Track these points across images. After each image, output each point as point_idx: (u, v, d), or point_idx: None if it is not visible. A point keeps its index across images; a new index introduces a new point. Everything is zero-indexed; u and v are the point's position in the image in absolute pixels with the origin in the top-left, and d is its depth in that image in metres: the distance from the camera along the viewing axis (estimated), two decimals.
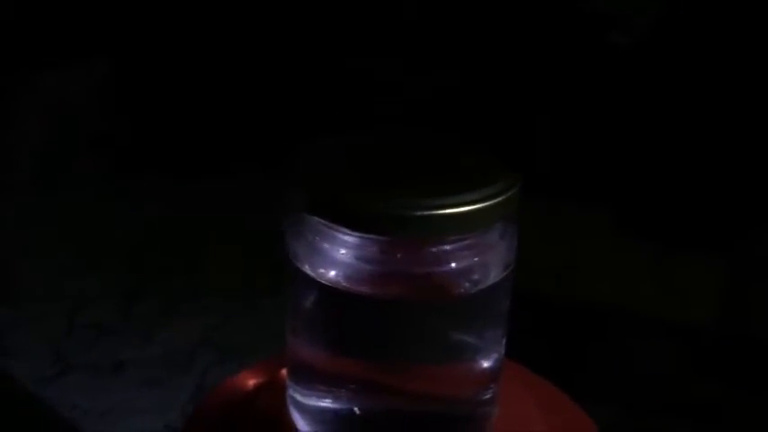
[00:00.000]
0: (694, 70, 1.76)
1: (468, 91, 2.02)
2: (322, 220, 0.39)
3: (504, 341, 0.43)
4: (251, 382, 0.50)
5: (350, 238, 0.39)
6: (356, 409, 0.42)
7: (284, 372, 0.46)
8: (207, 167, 2.05)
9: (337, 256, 0.40)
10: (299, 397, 0.44)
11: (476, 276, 0.40)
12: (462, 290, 0.40)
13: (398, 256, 0.39)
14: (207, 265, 1.66)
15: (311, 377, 0.43)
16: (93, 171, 2.02)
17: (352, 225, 0.38)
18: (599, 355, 1.40)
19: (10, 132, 1.96)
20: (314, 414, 0.43)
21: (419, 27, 2.06)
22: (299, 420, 0.44)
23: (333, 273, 0.40)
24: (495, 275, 0.40)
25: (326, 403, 0.43)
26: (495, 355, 0.43)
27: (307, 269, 0.40)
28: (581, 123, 1.94)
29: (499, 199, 0.38)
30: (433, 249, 0.39)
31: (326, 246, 0.40)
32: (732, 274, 1.58)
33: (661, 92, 1.81)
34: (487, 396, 0.43)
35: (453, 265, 0.39)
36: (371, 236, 0.38)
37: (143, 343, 1.41)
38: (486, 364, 0.42)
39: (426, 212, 0.37)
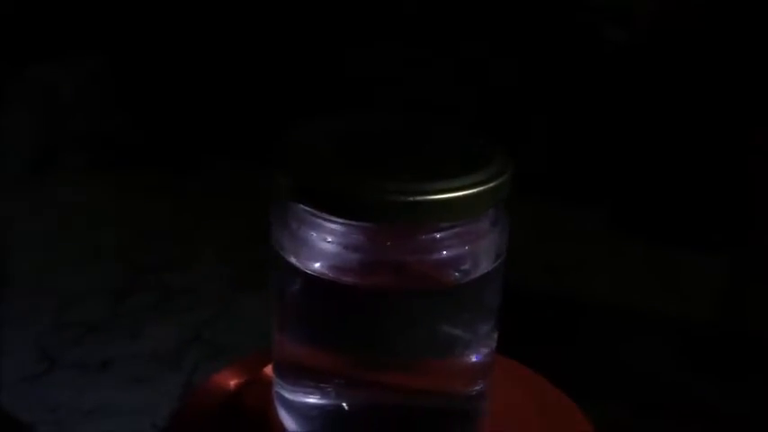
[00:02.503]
0: (692, 67, 1.75)
1: (462, 88, 2.02)
2: (306, 207, 0.37)
3: (495, 336, 0.42)
4: (236, 380, 0.49)
5: (336, 225, 0.37)
6: (344, 404, 0.40)
7: (270, 368, 0.44)
8: (199, 161, 2.04)
9: (323, 245, 0.38)
10: (285, 393, 0.42)
11: (466, 266, 0.38)
12: (452, 279, 0.38)
13: (387, 244, 0.37)
14: (197, 261, 1.64)
15: (298, 373, 0.42)
16: (82, 166, 2.00)
17: (338, 212, 0.36)
18: (596, 352, 1.39)
19: (0, 127, 1.95)
20: (301, 410, 0.42)
21: (417, 22, 2.05)
22: (286, 417, 0.42)
23: (318, 263, 0.38)
24: (486, 265, 0.39)
25: (314, 399, 0.41)
26: (485, 350, 0.41)
27: (292, 260, 0.39)
28: (577, 122, 1.93)
29: (491, 184, 0.36)
30: (423, 237, 0.37)
31: (312, 234, 0.38)
32: (729, 272, 1.58)
33: (658, 90, 1.80)
34: (478, 391, 0.42)
35: (443, 253, 0.37)
36: (358, 223, 0.37)
37: (131, 340, 1.39)
38: (476, 359, 0.41)
39: (416, 198, 0.35)
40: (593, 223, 1.79)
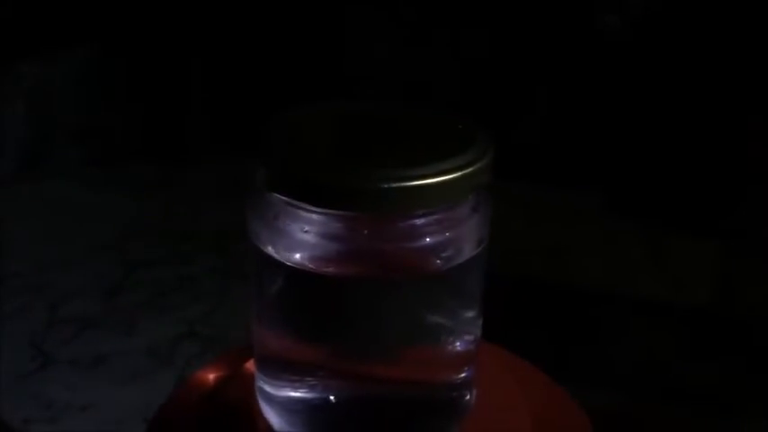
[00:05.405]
0: (687, 52, 1.75)
1: (456, 73, 2.01)
2: (282, 197, 0.36)
3: (479, 322, 0.41)
4: (222, 375, 0.48)
5: (313, 215, 0.36)
6: (331, 397, 0.40)
7: (251, 363, 0.44)
8: (195, 156, 2.03)
9: (301, 236, 0.37)
10: (267, 388, 0.42)
11: (448, 253, 0.37)
12: (434, 267, 0.37)
13: (365, 232, 0.37)
14: (191, 256, 1.64)
15: (280, 367, 0.41)
16: (75, 161, 1.99)
17: (314, 201, 0.36)
18: (593, 339, 1.39)
19: None
20: (285, 405, 0.41)
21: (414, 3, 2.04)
22: (269, 412, 0.42)
23: (297, 254, 0.38)
24: (468, 251, 0.38)
25: (299, 393, 0.41)
26: (469, 337, 0.41)
27: (270, 251, 0.38)
28: (571, 106, 1.92)
29: (471, 169, 0.36)
30: (402, 224, 0.36)
31: (289, 224, 0.37)
32: (726, 255, 1.57)
33: (652, 74, 1.79)
34: (463, 379, 0.41)
35: (425, 240, 0.37)
36: (335, 212, 0.36)
37: (125, 336, 1.38)
38: (460, 347, 0.40)
39: (393, 185, 0.34)
40: (586, 206, 1.79)
